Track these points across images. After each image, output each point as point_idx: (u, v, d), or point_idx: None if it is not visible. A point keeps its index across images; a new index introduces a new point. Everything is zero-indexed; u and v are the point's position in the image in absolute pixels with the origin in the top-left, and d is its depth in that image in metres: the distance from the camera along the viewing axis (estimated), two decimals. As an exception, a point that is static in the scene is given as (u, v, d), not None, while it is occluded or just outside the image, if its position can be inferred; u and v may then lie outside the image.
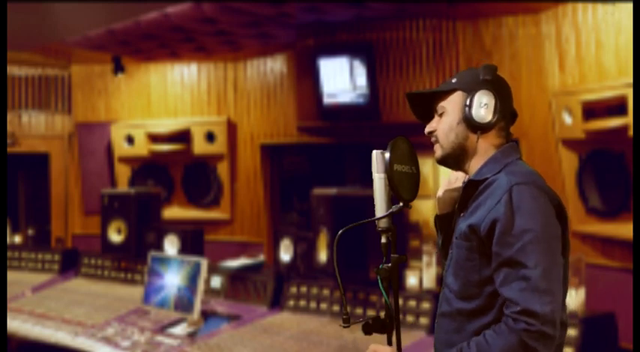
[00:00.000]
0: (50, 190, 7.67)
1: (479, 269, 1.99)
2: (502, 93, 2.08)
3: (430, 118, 2.16)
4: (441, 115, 2.11)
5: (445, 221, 2.22)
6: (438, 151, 2.12)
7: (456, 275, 2.06)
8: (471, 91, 2.06)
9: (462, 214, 2.10)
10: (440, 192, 2.22)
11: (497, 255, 1.93)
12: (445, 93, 2.11)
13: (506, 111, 2.09)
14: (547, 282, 1.87)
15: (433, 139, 2.13)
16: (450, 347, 2.03)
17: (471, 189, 2.07)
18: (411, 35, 5.50)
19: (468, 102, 2.05)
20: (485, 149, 2.08)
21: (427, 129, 2.14)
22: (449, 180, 2.22)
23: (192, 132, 7.15)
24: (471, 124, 2.06)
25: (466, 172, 2.13)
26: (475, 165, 2.09)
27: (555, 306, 1.87)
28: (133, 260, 6.18)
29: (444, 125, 2.09)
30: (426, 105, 2.17)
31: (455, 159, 2.11)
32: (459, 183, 2.18)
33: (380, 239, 2.06)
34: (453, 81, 2.11)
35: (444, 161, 2.13)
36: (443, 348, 2.08)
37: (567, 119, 4.76)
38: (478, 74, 2.09)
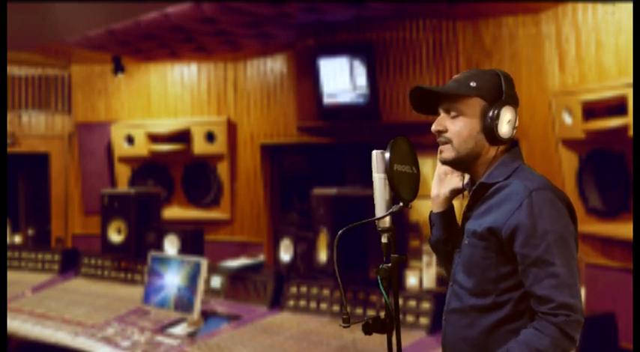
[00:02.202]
0: (50, 190, 7.67)
1: (495, 267, 2.04)
2: (517, 107, 2.13)
3: (430, 112, 2.14)
4: (453, 117, 2.10)
5: (445, 218, 2.22)
6: (450, 153, 2.11)
7: (468, 272, 2.09)
8: (493, 102, 2.07)
9: (469, 215, 2.13)
10: (435, 190, 2.23)
11: (524, 257, 1.99)
12: (463, 95, 2.09)
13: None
14: (572, 277, 1.98)
15: (442, 139, 2.11)
16: (464, 342, 2.07)
17: (482, 192, 2.10)
18: (411, 35, 5.50)
19: (493, 115, 2.06)
20: (496, 156, 2.11)
21: (436, 128, 2.11)
22: (439, 176, 2.22)
23: (192, 132, 7.15)
24: (494, 137, 2.08)
25: (473, 174, 2.14)
26: (484, 169, 2.11)
27: (580, 297, 1.99)
28: (133, 260, 6.18)
29: (462, 130, 2.08)
30: (429, 100, 2.15)
31: (466, 163, 2.13)
32: (455, 181, 2.19)
33: (380, 239, 2.07)
34: (472, 84, 2.08)
35: (451, 163, 2.14)
36: (457, 343, 2.10)
37: (567, 119, 4.76)
38: (498, 82, 2.09)
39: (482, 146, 2.09)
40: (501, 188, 2.06)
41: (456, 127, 2.09)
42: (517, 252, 2.00)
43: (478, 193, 2.12)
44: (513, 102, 2.10)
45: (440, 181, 2.22)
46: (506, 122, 2.07)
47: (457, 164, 2.14)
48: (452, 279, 2.16)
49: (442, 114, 2.12)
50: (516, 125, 2.10)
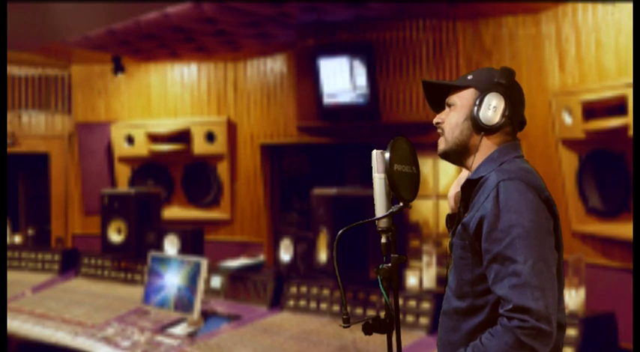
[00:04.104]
0: (50, 190, 7.67)
1: (471, 268, 1.99)
2: (513, 99, 2.09)
3: (443, 108, 2.16)
4: (451, 109, 2.11)
5: (455, 220, 2.21)
6: (442, 145, 2.12)
7: (453, 273, 2.06)
8: (483, 91, 2.07)
9: (465, 214, 2.10)
10: (451, 192, 2.22)
11: (486, 252, 1.92)
12: (459, 88, 2.11)
13: (514, 117, 2.09)
14: (538, 277, 1.85)
15: (439, 131, 2.13)
16: (449, 347, 2.04)
17: (469, 189, 2.08)
18: (411, 35, 5.50)
19: (477, 102, 2.06)
20: (486, 148, 2.08)
21: (435, 120, 2.14)
22: (459, 179, 2.21)
23: (192, 132, 7.15)
24: (476, 124, 2.06)
25: (468, 169, 2.14)
26: (476, 163, 2.09)
27: (548, 301, 1.84)
28: (133, 260, 6.18)
29: (452, 119, 2.10)
30: (440, 96, 2.17)
31: (457, 155, 2.11)
32: None
33: (380, 239, 2.06)
34: (469, 77, 2.11)
35: (446, 155, 2.13)
36: (445, 347, 2.08)
37: (567, 119, 4.76)
38: (494, 75, 2.09)
39: (467, 134, 2.08)
40: (483, 182, 2.02)
41: (449, 117, 2.10)
42: (482, 248, 1.93)
43: (467, 191, 2.08)
44: (504, 90, 2.06)
45: (458, 183, 2.20)
46: (488, 107, 2.04)
47: (451, 156, 2.12)
48: (447, 281, 2.14)
49: (445, 109, 2.14)
50: (507, 113, 2.05)
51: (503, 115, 2.05)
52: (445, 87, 2.16)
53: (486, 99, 2.05)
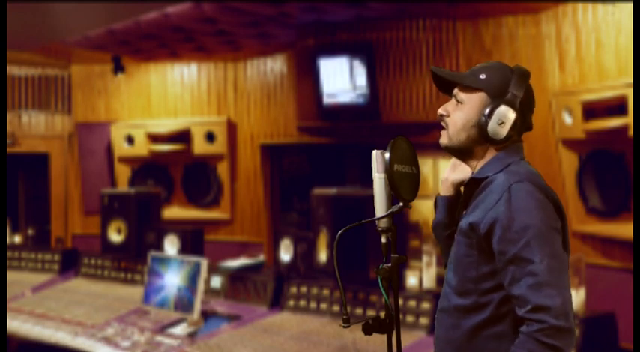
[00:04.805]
0: (50, 190, 7.67)
1: (477, 266, 1.99)
2: (525, 107, 2.05)
3: (449, 91, 2.12)
4: (458, 104, 2.08)
5: (449, 203, 2.20)
6: (445, 139, 2.10)
7: (455, 270, 2.06)
8: (494, 99, 2.02)
9: (464, 212, 2.09)
10: (445, 174, 2.22)
11: (502, 254, 1.92)
12: (470, 86, 2.06)
13: (523, 125, 2.08)
14: (553, 276, 1.87)
15: (443, 123, 2.10)
16: (448, 344, 2.04)
17: (473, 187, 2.07)
18: (411, 35, 5.50)
19: (487, 112, 2.02)
20: (491, 153, 2.08)
21: (440, 111, 2.11)
22: (454, 162, 2.20)
23: (192, 132, 7.15)
24: (483, 134, 2.04)
25: (471, 168, 2.13)
26: (479, 164, 2.09)
27: (565, 298, 1.86)
28: (133, 260, 6.18)
29: (458, 119, 2.06)
30: (449, 83, 2.13)
31: (459, 153, 2.11)
32: (466, 170, 2.15)
33: (380, 239, 2.06)
34: (482, 77, 2.05)
35: (449, 151, 2.12)
36: (443, 345, 2.08)
37: (567, 119, 4.76)
38: (509, 80, 2.03)
39: (474, 140, 2.06)
40: (489, 183, 2.01)
41: (455, 115, 2.07)
42: (495, 249, 1.94)
43: (471, 189, 2.08)
44: (517, 103, 2.02)
45: (453, 167, 2.20)
46: (497, 122, 2.01)
47: (453, 152, 2.12)
48: (445, 278, 2.14)
49: (452, 99, 2.11)
50: (515, 127, 2.03)
51: (512, 129, 2.03)
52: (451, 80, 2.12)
53: (496, 112, 2.01)
